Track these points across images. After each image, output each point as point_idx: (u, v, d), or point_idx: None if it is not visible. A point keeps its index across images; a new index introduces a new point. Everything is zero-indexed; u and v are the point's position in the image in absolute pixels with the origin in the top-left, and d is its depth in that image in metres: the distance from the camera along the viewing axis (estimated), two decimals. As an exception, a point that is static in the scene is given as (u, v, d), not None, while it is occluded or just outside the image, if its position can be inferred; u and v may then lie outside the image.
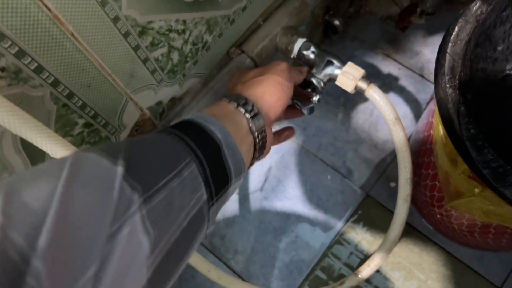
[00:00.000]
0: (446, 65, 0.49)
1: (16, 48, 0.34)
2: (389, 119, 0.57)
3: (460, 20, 0.50)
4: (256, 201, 0.80)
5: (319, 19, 0.81)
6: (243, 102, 0.40)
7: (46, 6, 0.34)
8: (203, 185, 0.30)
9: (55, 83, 0.39)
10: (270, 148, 0.44)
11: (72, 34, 0.37)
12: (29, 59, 0.35)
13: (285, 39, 0.61)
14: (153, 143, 0.30)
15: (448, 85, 0.48)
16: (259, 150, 0.40)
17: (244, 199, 0.80)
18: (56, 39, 0.37)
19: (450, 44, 0.49)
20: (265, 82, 0.44)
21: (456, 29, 0.50)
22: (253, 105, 0.40)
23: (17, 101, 0.37)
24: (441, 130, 0.52)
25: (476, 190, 0.49)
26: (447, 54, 0.49)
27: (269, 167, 0.82)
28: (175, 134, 0.31)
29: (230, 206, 0.80)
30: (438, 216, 0.67)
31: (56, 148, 0.37)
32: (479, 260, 0.72)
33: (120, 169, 0.24)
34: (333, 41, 0.89)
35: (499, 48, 0.41)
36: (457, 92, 0.47)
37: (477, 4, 0.50)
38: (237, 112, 0.39)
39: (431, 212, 0.69)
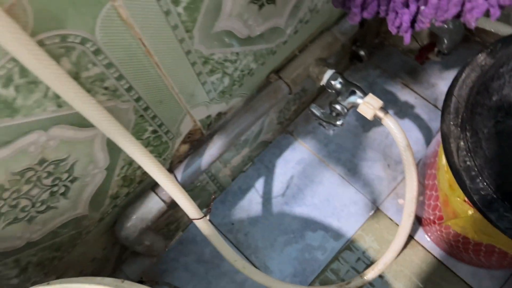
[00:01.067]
0: (452, 105, 0.58)
1: (118, 73, 0.45)
2: (401, 145, 0.67)
3: (467, 68, 0.60)
4: (277, 205, 0.90)
5: (347, 49, 0.91)
6: None
7: (143, 44, 0.45)
8: None
9: (138, 99, 0.50)
10: None
11: (156, 63, 0.48)
12: (124, 81, 0.46)
13: (317, 69, 0.71)
14: None
15: (451, 123, 0.57)
16: None
17: (267, 202, 0.90)
18: (145, 67, 0.48)
19: (457, 88, 0.59)
20: None
21: (463, 76, 0.60)
22: None
23: (110, 111, 0.48)
24: (443, 159, 0.61)
25: (469, 212, 0.58)
26: (453, 96, 0.59)
27: (291, 175, 0.92)
28: None
29: (255, 207, 0.90)
30: (438, 232, 0.76)
31: (133, 149, 0.47)
32: (473, 275, 0.81)
33: None
34: (358, 68, 0.99)
35: (494, 99, 0.50)
36: (459, 129, 0.57)
37: (483, 56, 0.60)
38: None
39: (432, 228, 0.78)
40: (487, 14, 0.37)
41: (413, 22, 0.38)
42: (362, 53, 0.91)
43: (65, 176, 0.50)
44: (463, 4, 0.36)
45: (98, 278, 0.39)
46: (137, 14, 0.41)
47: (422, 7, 0.36)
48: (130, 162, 0.57)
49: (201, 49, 0.52)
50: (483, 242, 0.65)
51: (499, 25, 0.74)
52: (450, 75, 0.95)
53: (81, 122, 0.46)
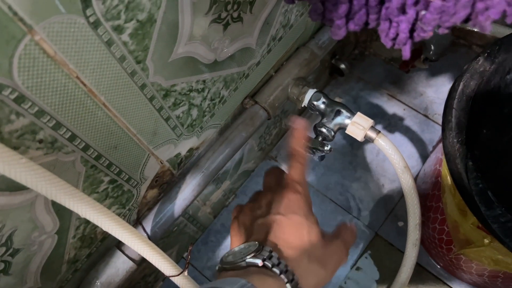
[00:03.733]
0: (453, 120, 0.51)
1: (54, 122, 0.36)
2: (398, 167, 0.60)
3: (464, 76, 0.53)
4: (266, 241, 0.81)
5: (326, 64, 0.84)
6: (295, 286, 0.37)
7: (82, 82, 0.36)
8: None
9: (86, 148, 0.41)
10: None
11: (104, 104, 0.40)
12: (64, 129, 0.38)
13: (296, 90, 0.64)
14: None
15: (455, 140, 0.50)
16: None
17: (255, 238, 0.81)
18: (89, 109, 0.39)
19: (456, 100, 0.52)
20: (323, 275, 0.40)
21: (461, 85, 0.53)
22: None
23: (51, 167, 0.39)
24: (449, 181, 0.54)
25: (486, 241, 0.50)
26: (454, 109, 0.51)
27: (279, 206, 0.83)
28: None
29: (242, 246, 0.81)
30: (446, 257, 0.68)
31: (85, 208, 0.39)
32: (488, 300, 0.73)
33: None
34: (339, 82, 0.92)
35: (505, 111, 0.43)
36: (465, 147, 0.49)
37: (480, 61, 0.53)
38: None
39: (439, 253, 0.70)
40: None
41: (411, 31, 0.30)
42: (342, 66, 0.84)
43: (1, 250, 0.40)
44: (473, 4, 0.28)
45: None
46: (68, 48, 0.33)
47: (423, 12, 0.29)
48: (87, 220, 0.48)
49: (158, 81, 0.44)
50: (501, 270, 0.57)
51: (496, 26, 0.68)
52: (438, 81, 0.89)
53: (13, 185, 0.37)
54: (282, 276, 0.36)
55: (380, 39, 0.32)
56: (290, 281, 0.36)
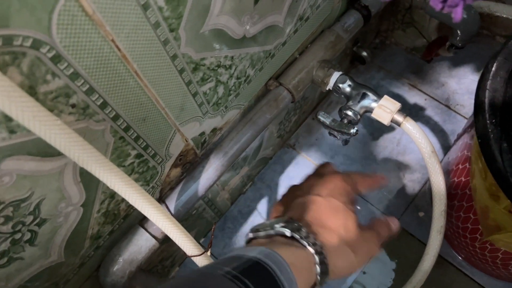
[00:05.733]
0: (487, 101, 0.50)
1: (87, 86, 0.36)
2: (425, 152, 0.58)
3: (498, 57, 0.52)
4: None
5: (347, 51, 0.83)
6: (324, 268, 0.36)
7: (117, 46, 0.36)
8: None
9: (116, 117, 0.41)
10: None
11: (136, 72, 0.39)
12: (97, 95, 0.37)
13: (321, 72, 0.63)
14: None
15: (488, 122, 0.49)
16: None
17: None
18: (122, 77, 0.38)
19: (489, 81, 0.51)
20: (352, 261, 0.39)
21: (494, 66, 0.51)
22: (326, 272, 0.36)
23: (82, 134, 0.39)
24: (480, 165, 0.52)
25: (518, 225, 0.49)
26: (487, 91, 0.50)
27: (297, 194, 0.82)
28: (245, 285, 0.28)
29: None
30: (470, 247, 0.67)
31: (114, 179, 0.38)
32: (511, 293, 0.72)
33: None
34: (360, 71, 0.91)
35: (544, 89, 0.42)
36: (499, 129, 0.48)
37: (515, 43, 0.52)
38: (312, 268, 0.35)
39: (462, 243, 0.69)
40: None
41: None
42: (364, 53, 0.83)
43: (29, 219, 0.40)
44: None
45: None
46: (106, 8, 0.32)
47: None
48: (112, 194, 0.48)
49: (189, 52, 0.43)
50: (530, 258, 0.56)
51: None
52: (460, 72, 0.88)
53: (44, 151, 0.36)
54: (310, 247, 0.35)
55: (430, 2, 0.31)
56: (319, 253, 0.36)
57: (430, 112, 0.86)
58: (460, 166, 0.62)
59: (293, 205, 0.41)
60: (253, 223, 0.81)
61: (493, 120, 0.49)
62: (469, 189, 0.59)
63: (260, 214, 0.82)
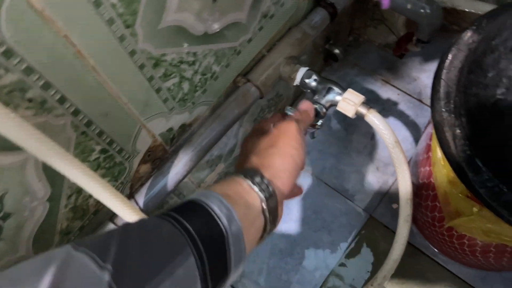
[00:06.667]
0: (441, 90, 0.52)
1: (43, 81, 0.37)
2: (389, 142, 0.60)
3: (453, 48, 0.54)
4: (261, 224, 0.81)
5: (320, 48, 0.85)
6: (259, 180, 0.37)
7: (71, 42, 0.37)
8: (199, 281, 0.28)
9: (76, 112, 0.42)
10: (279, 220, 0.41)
11: (93, 67, 0.41)
12: (54, 90, 0.38)
13: (288, 68, 0.64)
14: (149, 234, 0.28)
15: (443, 110, 0.51)
16: (270, 227, 0.37)
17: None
18: (78, 72, 0.40)
19: (444, 71, 0.52)
20: (279, 156, 0.41)
21: (449, 57, 0.53)
22: (268, 184, 0.37)
23: (41, 129, 0.40)
24: (439, 153, 0.54)
25: (475, 209, 0.51)
26: (442, 80, 0.52)
27: (274, 190, 0.84)
28: (176, 220, 0.29)
29: (237, 229, 0.82)
30: (440, 236, 0.69)
31: (75, 171, 0.39)
32: (483, 280, 0.73)
33: (107, 276, 0.24)
34: (334, 68, 0.93)
35: (490, 75, 0.44)
36: (452, 116, 0.50)
37: (469, 34, 0.54)
38: (251, 192, 0.36)
39: (433, 232, 0.70)
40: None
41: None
42: (336, 51, 0.84)
43: (-8, 213, 0.41)
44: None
45: None
46: (56, 5, 0.34)
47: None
48: (79, 189, 0.49)
49: (148, 48, 0.45)
50: (492, 243, 0.57)
51: (479, 4, 0.69)
52: (432, 66, 0.90)
53: (2, 144, 0.37)
54: (238, 175, 0.37)
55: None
56: (245, 174, 0.37)
57: (403, 106, 0.87)
58: (425, 156, 0.64)
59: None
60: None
61: (448, 108, 0.50)
62: (433, 177, 0.60)
63: (238, 211, 0.83)
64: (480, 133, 0.46)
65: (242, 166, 0.42)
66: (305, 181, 0.84)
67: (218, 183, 0.37)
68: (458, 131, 0.49)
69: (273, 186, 0.38)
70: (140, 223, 0.30)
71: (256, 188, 0.36)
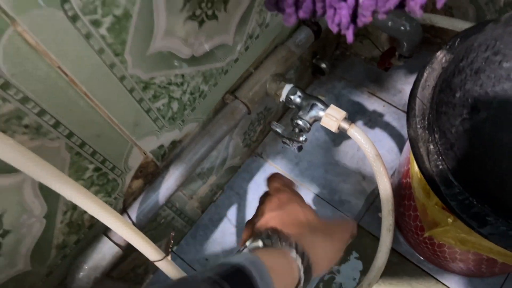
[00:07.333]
0: (416, 108, 0.55)
1: (38, 108, 0.40)
2: (370, 155, 0.63)
3: (427, 67, 0.57)
4: (253, 234, 0.84)
5: (307, 63, 0.88)
6: (306, 262, 0.38)
7: (64, 72, 0.40)
8: None
9: (70, 135, 0.45)
10: None
11: (85, 93, 0.43)
12: (48, 116, 0.41)
13: (274, 85, 0.67)
14: None
15: (418, 126, 0.54)
16: None
17: (241, 232, 0.84)
18: (71, 98, 0.42)
19: (419, 89, 0.55)
20: (330, 247, 0.43)
21: (424, 75, 0.56)
22: (310, 265, 0.38)
23: (37, 152, 0.43)
24: (415, 166, 0.57)
25: (449, 220, 0.54)
26: (417, 98, 0.55)
27: (264, 200, 0.87)
28: (219, 286, 0.30)
29: (229, 239, 0.84)
30: (423, 244, 0.71)
31: (70, 190, 0.42)
32: (466, 286, 0.76)
33: None
34: (322, 82, 0.96)
35: (457, 95, 0.46)
36: (426, 132, 0.53)
37: (442, 53, 0.57)
38: (294, 267, 0.37)
39: (416, 241, 0.73)
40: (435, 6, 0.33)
41: (354, 17, 0.34)
42: (323, 65, 0.88)
43: (-8, 230, 0.44)
44: (404, -9, 0.32)
45: None
46: (49, 39, 0.37)
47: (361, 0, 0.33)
48: (74, 206, 0.52)
49: (137, 73, 0.48)
50: (470, 251, 0.60)
51: (456, 21, 0.72)
52: (416, 79, 0.93)
53: (2, 167, 0.40)
54: (285, 247, 0.37)
55: (328, 25, 0.36)
56: (296, 249, 0.37)
57: (388, 118, 0.90)
58: (405, 168, 0.67)
59: (255, 230, 0.44)
60: (223, 230, 0.85)
61: (422, 125, 0.53)
62: (412, 188, 0.63)
63: (230, 221, 0.86)
64: (451, 149, 0.49)
65: (281, 233, 0.40)
66: (295, 191, 0.86)
67: (266, 249, 0.38)
68: (431, 146, 0.52)
69: (312, 269, 0.39)
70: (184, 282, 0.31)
71: (300, 267, 0.37)
